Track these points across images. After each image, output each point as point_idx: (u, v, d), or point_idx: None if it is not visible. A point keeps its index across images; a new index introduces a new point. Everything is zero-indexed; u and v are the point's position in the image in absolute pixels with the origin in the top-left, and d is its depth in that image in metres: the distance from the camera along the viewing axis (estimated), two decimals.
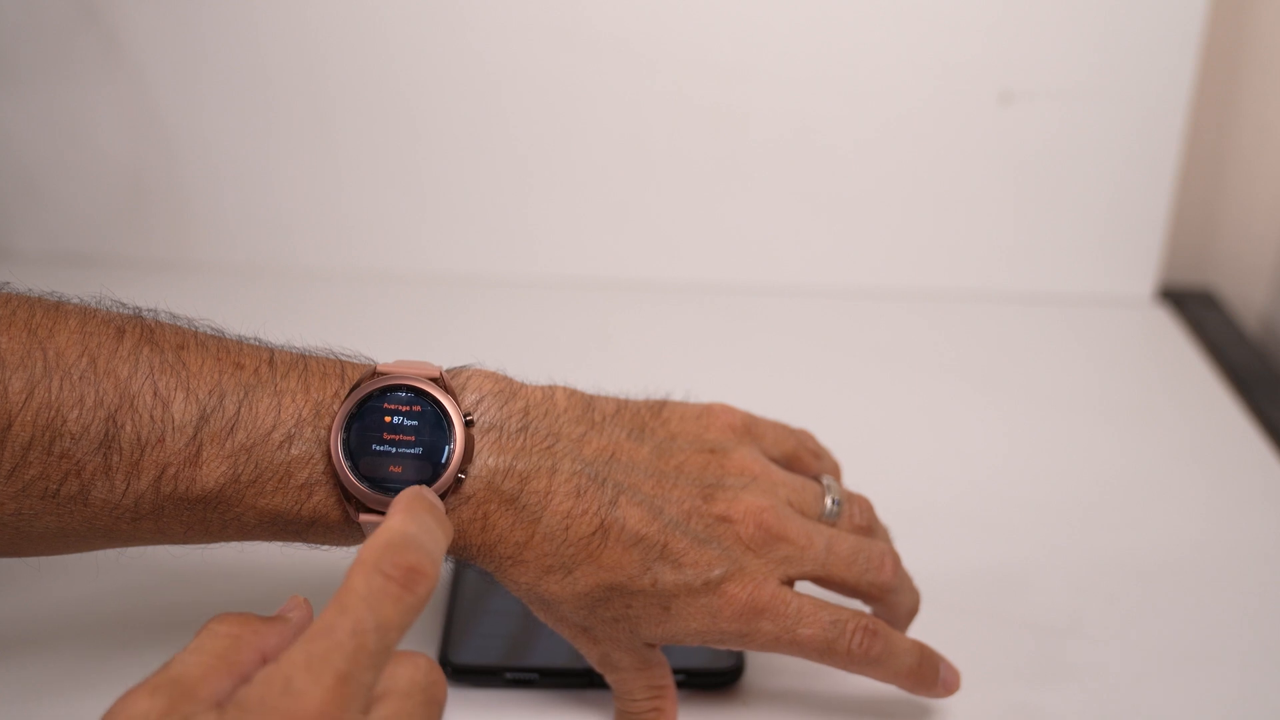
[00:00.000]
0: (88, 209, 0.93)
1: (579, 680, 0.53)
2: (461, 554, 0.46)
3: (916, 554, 0.52)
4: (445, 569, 0.50)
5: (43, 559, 0.46)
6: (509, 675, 0.53)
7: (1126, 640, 0.57)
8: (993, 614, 0.59)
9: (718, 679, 0.53)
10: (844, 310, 0.89)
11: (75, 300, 0.45)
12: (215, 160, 0.91)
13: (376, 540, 0.36)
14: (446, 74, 0.87)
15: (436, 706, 0.35)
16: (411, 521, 0.37)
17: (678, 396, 0.52)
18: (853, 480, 0.55)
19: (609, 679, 0.49)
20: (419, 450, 0.44)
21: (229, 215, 0.93)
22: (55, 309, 0.43)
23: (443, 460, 0.44)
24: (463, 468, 0.44)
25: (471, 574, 0.58)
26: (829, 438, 0.56)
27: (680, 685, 0.52)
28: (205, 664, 0.34)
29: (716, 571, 0.46)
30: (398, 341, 0.53)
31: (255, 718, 0.31)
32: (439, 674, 0.36)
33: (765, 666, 0.54)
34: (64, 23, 0.87)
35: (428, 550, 0.36)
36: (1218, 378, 0.81)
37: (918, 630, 0.51)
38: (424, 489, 0.41)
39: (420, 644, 0.55)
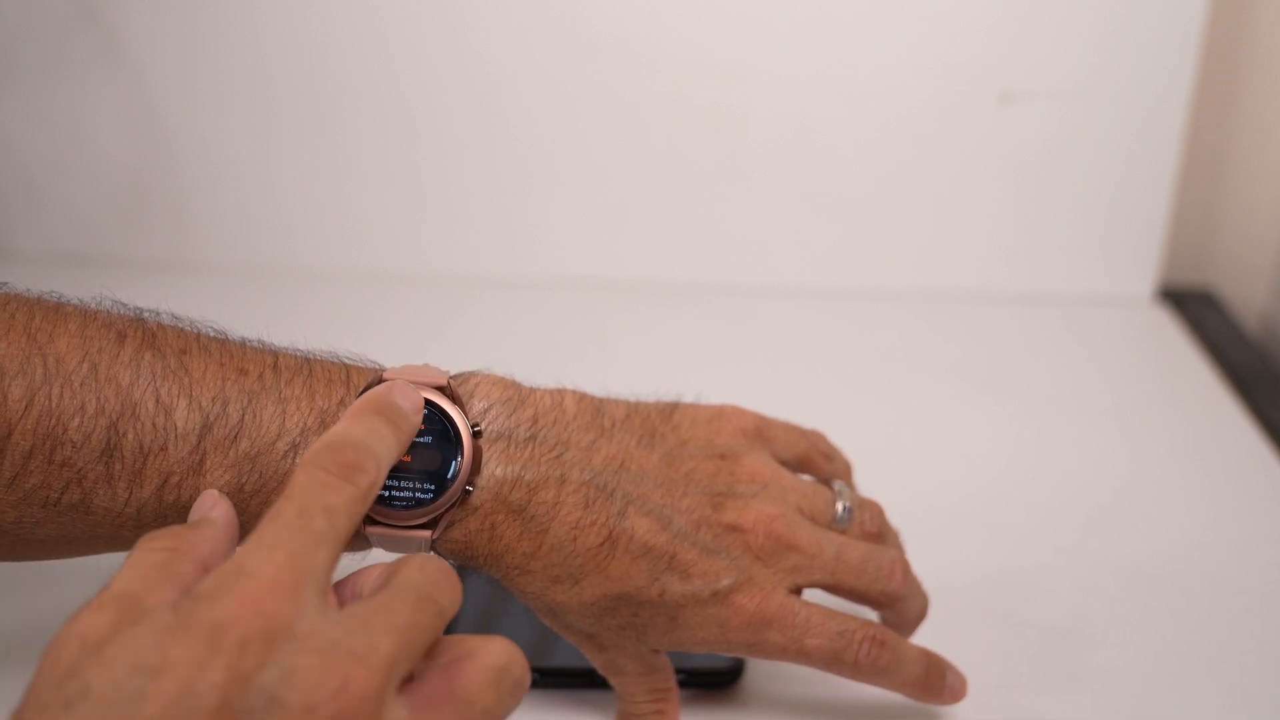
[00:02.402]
0: (88, 209, 0.93)
1: (579, 680, 0.53)
2: (469, 563, 0.46)
3: (917, 555, 0.52)
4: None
5: (45, 564, 0.46)
6: None
7: (1129, 641, 0.57)
8: (993, 615, 0.59)
9: (718, 679, 0.53)
10: (844, 310, 0.89)
11: (75, 302, 0.44)
12: (215, 160, 0.91)
13: (317, 442, 0.37)
14: (446, 74, 0.87)
15: (432, 604, 0.35)
16: (354, 424, 0.38)
17: (685, 398, 0.52)
18: (854, 483, 0.55)
19: (613, 682, 0.49)
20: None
21: (229, 215, 0.93)
22: (55, 312, 0.43)
23: (450, 474, 0.44)
24: (470, 479, 0.44)
25: (471, 575, 0.58)
26: (830, 439, 0.56)
27: (680, 685, 0.52)
28: (147, 576, 0.34)
29: (725, 582, 0.46)
30: (397, 342, 0.53)
31: (209, 603, 0.31)
32: (445, 575, 0.36)
33: (765, 667, 0.54)
34: (64, 23, 0.86)
35: (368, 447, 0.37)
36: (1218, 378, 0.81)
37: (924, 634, 0.51)
38: (392, 386, 0.41)
39: None
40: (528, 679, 0.36)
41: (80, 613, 0.32)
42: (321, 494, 0.35)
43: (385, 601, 0.34)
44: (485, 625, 0.56)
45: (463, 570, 0.50)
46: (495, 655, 0.35)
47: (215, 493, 0.40)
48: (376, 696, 0.31)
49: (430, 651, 0.35)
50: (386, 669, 0.32)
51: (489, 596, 0.57)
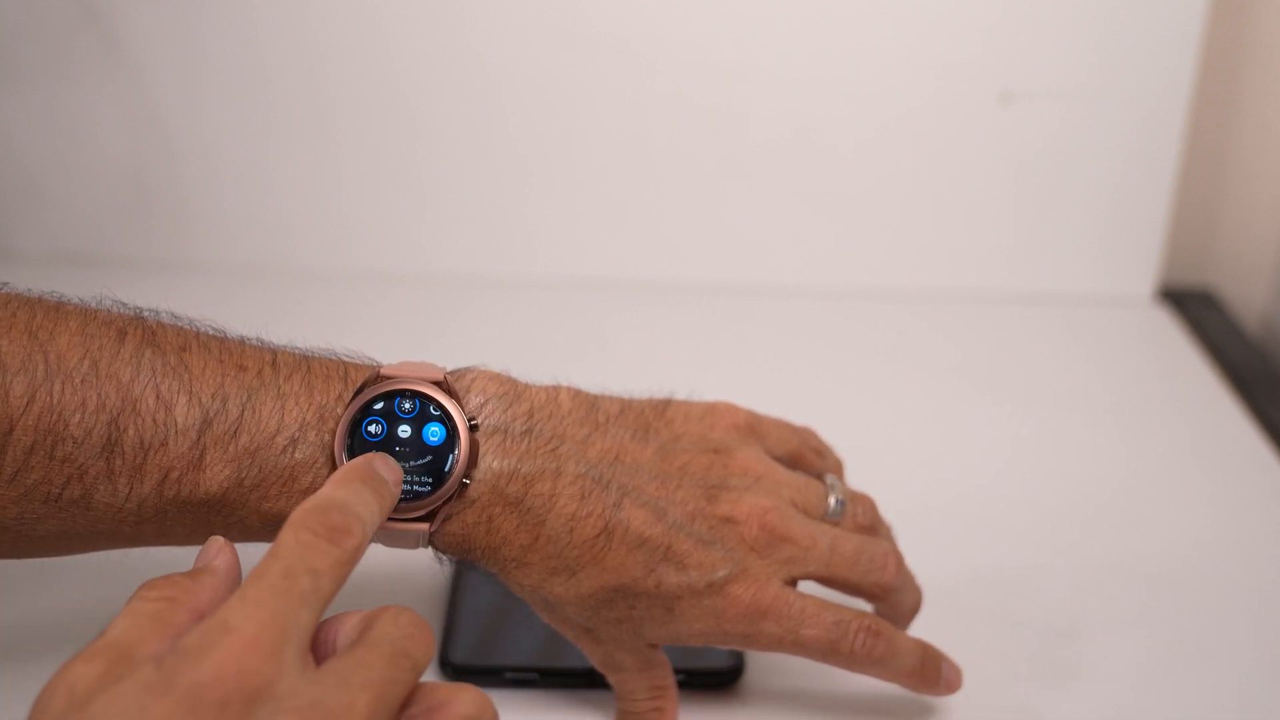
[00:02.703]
0: (88, 209, 0.93)
1: (579, 680, 0.53)
2: (466, 556, 0.46)
3: (916, 554, 0.52)
4: (446, 569, 0.50)
5: (45, 561, 0.46)
6: (509, 675, 0.53)
7: (1127, 640, 0.57)
8: (992, 613, 0.59)
9: (718, 679, 0.53)
10: (844, 310, 0.89)
11: (76, 301, 0.44)
12: (215, 160, 0.91)
13: (303, 504, 0.37)
14: (446, 74, 0.87)
15: (406, 659, 0.35)
16: (339, 488, 0.38)
17: (679, 396, 0.52)
18: (852, 481, 0.55)
19: (611, 679, 0.50)
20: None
21: (229, 215, 0.93)
22: (56, 310, 0.43)
23: (447, 466, 0.44)
24: (468, 472, 0.44)
25: (471, 574, 0.58)
26: (828, 438, 0.56)
27: (680, 685, 0.52)
28: (141, 626, 0.34)
29: (720, 573, 0.46)
30: (398, 342, 0.53)
31: (192, 660, 0.32)
32: (419, 629, 0.36)
33: (765, 666, 0.55)
34: (64, 23, 0.86)
35: (354, 511, 0.37)
36: (1218, 378, 0.81)
37: (919, 630, 0.51)
38: (374, 457, 0.42)
39: None
40: None
41: (72, 662, 0.33)
42: (308, 555, 0.35)
43: (361, 658, 0.34)
44: (487, 625, 0.56)
45: (461, 567, 0.50)
46: (467, 705, 0.36)
47: (221, 540, 0.39)
48: None
49: (404, 701, 0.35)
50: None
51: (489, 596, 0.57)
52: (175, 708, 0.31)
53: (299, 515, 0.36)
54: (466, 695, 0.36)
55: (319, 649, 0.36)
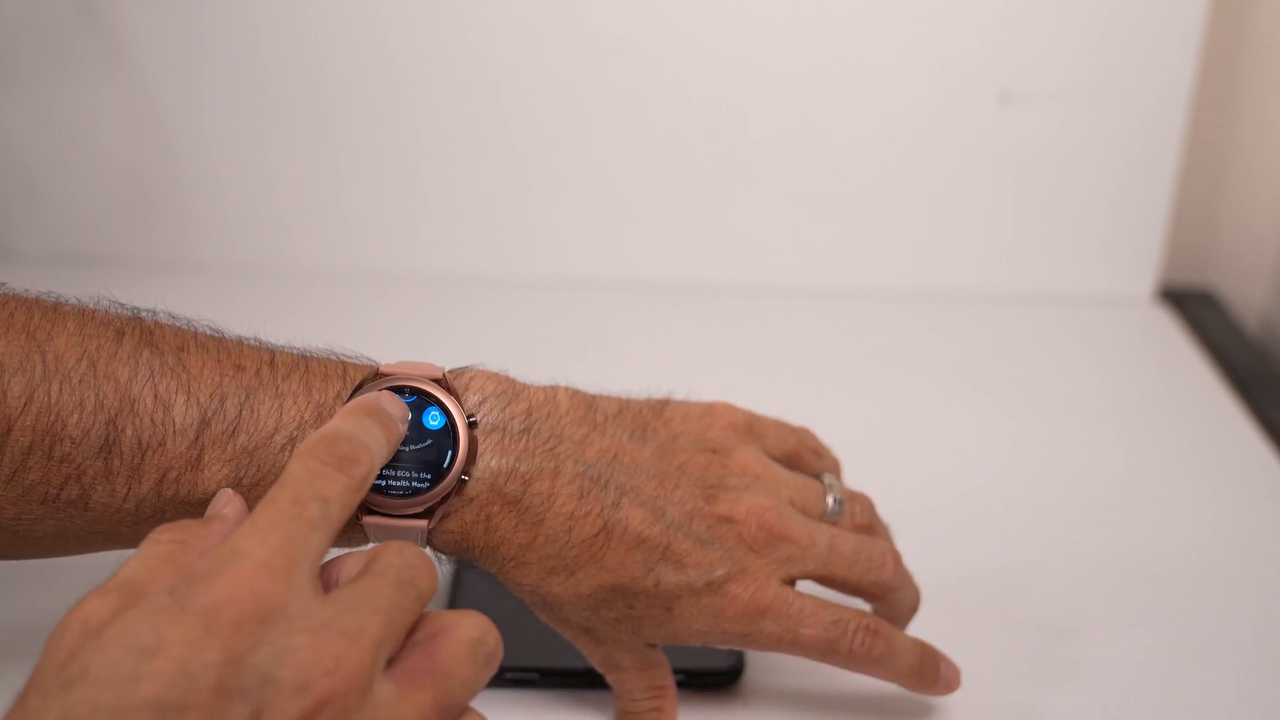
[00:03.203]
0: (88, 209, 0.93)
1: (579, 680, 0.53)
2: (465, 555, 0.46)
3: (916, 554, 0.52)
4: (445, 570, 0.49)
5: (44, 561, 0.46)
6: (509, 675, 0.53)
7: (1127, 639, 0.57)
8: (992, 613, 0.59)
9: (718, 679, 0.53)
10: (843, 310, 0.89)
11: (73, 301, 0.44)
12: (215, 160, 0.91)
13: (312, 435, 0.38)
14: (446, 74, 0.87)
15: (412, 588, 0.36)
16: (348, 421, 0.39)
17: (678, 396, 0.52)
18: (852, 481, 0.55)
19: (610, 679, 0.50)
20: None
21: (229, 215, 0.93)
22: (53, 310, 0.43)
23: (446, 463, 0.44)
24: (466, 470, 0.44)
25: (471, 575, 0.58)
26: (828, 438, 0.56)
27: (680, 685, 0.52)
28: (153, 566, 0.35)
29: (719, 572, 0.46)
30: (397, 342, 0.53)
31: (204, 585, 0.32)
32: (423, 560, 0.37)
33: (765, 666, 0.55)
34: (64, 23, 0.87)
35: (361, 442, 0.38)
36: (1218, 378, 0.81)
37: (919, 630, 0.51)
38: (381, 394, 0.42)
39: None
40: (500, 650, 0.37)
41: (86, 599, 0.33)
42: (316, 483, 0.36)
43: (369, 585, 0.35)
44: None
45: (461, 567, 0.50)
46: (470, 629, 0.36)
47: (230, 491, 0.40)
48: (366, 674, 0.33)
49: (410, 628, 0.36)
50: (375, 648, 0.33)
51: (488, 596, 0.57)
52: (190, 628, 0.31)
53: (307, 445, 0.37)
54: (469, 619, 0.37)
55: (324, 586, 0.37)
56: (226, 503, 0.40)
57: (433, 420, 0.44)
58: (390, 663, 0.35)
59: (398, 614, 0.35)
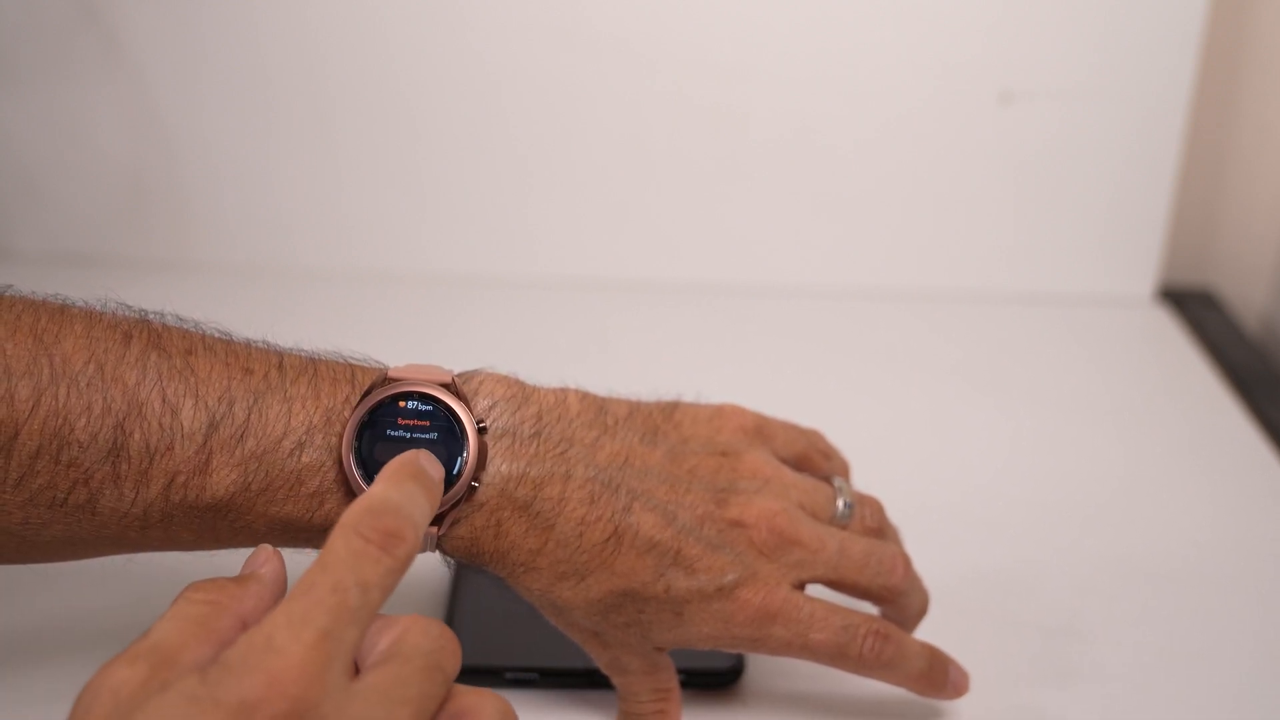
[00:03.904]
0: (88, 209, 0.93)
1: (579, 680, 0.53)
2: (474, 560, 0.46)
3: (917, 554, 0.52)
4: (445, 570, 0.50)
5: (50, 566, 0.46)
6: (509, 675, 0.53)
7: (1129, 640, 0.57)
8: (993, 613, 0.59)
9: (718, 679, 0.53)
10: (844, 310, 0.89)
11: (80, 304, 0.44)
12: (215, 160, 0.91)
13: (357, 505, 0.36)
14: (446, 74, 0.87)
15: (440, 673, 0.35)
16: (393, 488, 0.37)
17: (683, 397, 0.52)
18: (854, 481, 0.55)
19: (616, 681, 0.49)
20: None
21: (229, 215, 0.93)
22: (61, 313, 0.43)
23: (456, 469, 0.44)
24: (476, 475, 0.44)
25: (472, 574, 0.58)
26: (829, 438, 0.56)
27: (681, 686, 0.52)
28: (185, 630, 0.34)
29: (729, 577, 0.46)
30: (398, 343, 0.53)
31: (237, 676, 0.31)
32: (449, 640, 0.36)
33: (766, 666, 0.55)
34: (64, 23, 0.86)
35: (408, 514, 0.36)
36: (1218, 378, 0.81)
37: (923, 632, 0.52)
38: (420, 454, 0.40)
39: None
40: None
41: (114, 663, 0.32)
42: (358, 566, 0.34)
43: (398, 674, 0.34)
44: (487, 625, 0.56)
45: (465, 568, 0.50)
46: (491, 715, 0.36)
47: (269, 548, 0.39)
48: None
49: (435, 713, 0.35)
50: None
51: (489, 596, 0.57)
52: None
53: (351, 518, 0.35)
54: (492, 702, 0.36)
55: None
56: (264, 560, 0.38)
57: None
58: None
59: (426, 702, 0.34)
